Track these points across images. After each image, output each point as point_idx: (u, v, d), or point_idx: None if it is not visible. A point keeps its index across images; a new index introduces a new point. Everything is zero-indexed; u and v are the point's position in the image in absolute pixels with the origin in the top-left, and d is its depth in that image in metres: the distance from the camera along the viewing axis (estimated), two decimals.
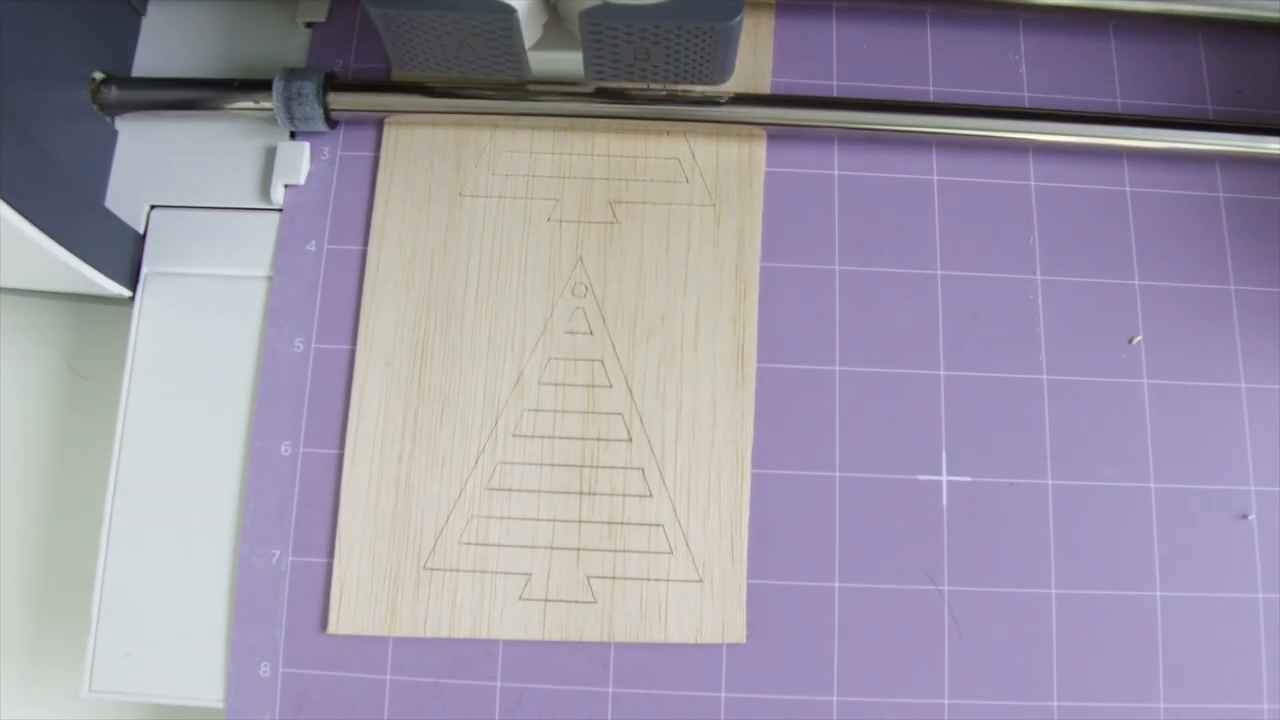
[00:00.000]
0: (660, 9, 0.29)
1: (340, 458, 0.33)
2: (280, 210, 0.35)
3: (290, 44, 0.37)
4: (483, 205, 0.35)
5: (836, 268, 0.35)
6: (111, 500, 0.33)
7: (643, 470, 0.33)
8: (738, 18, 0.29)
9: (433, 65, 0.31)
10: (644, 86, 0.35)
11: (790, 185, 0.36)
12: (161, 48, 0.38)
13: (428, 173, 0.35)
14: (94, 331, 0.38)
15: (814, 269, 0.35)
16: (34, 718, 0.35)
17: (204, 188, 0.36)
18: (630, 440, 0.33)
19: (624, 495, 0.33)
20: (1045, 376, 0.34)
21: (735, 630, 0.32)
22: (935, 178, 0.36)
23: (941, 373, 0.34)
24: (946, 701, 0.32)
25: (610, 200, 0.35)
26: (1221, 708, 0.32)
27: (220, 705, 0.32)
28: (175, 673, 0.32)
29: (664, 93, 0.35)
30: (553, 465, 0.33)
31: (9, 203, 0.28)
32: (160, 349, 0.34)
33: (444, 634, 0.32)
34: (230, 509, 0.33)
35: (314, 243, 0.35)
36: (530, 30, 0.31)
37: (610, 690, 0.32)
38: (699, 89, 0.36)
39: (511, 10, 0.29)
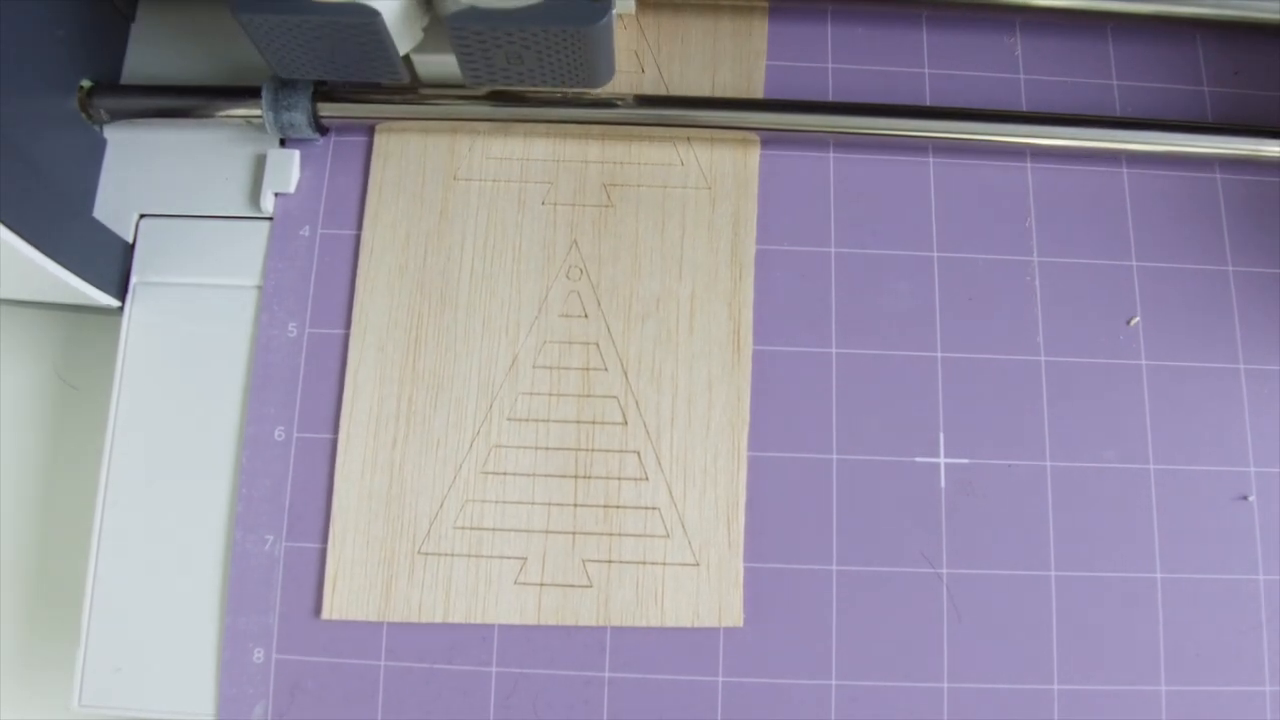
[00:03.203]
0: (525, 12, 0.28)
1: (334, 442, 0.33)
2: (270, 219, 0.35)
3: None
4: (477, 189, 0.35)
5: (832, 250, 0.35)
6: (101, 512, 0.33)
7: (638, 453, 0.33)
8: (604, 19, 0.28)
9: (309, 70, 0.31)
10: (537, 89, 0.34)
11: (786, 168, 0.35)
12: (151, 54, 0.37)
13: (421, 158, 0.35)
14: (83, 341, 0.37)
15: (810, 251, 0.35)
16: None
17: (194, 196, 0.35)
18: (625, 423, 0.33)
19: (619, 478, 0.32)
20: (1043, 358, 0.34)
21: (732, 614, 0.32)
22: (932, 159, 0.36)
23: (939, 354, 0.34)
24: (946, 685, 0.31)
25: (605, 184, 0.35)
26: (1223, 690, 0.32)
27: (212, 718, 0.31)
28: (166, 687, 0.32)
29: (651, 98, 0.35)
30: (547, 449, 0.33)
31: None
32: (150, 359, 0.34)
33: (439, 619, 0.32)
34: (222, 516, 0.33)
35: (307, 228, 0.35)
36: (404, 34, 0.31)
37: (606, 675, 0.31)
38: (696, 92, 0.36)
39: (375, 14, 0.28)
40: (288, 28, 0.29)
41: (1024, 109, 0.37)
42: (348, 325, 0.34)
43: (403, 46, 0.31)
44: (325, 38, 0.29)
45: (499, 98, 0.34)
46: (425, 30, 0.32)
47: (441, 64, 0.33)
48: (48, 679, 0.35)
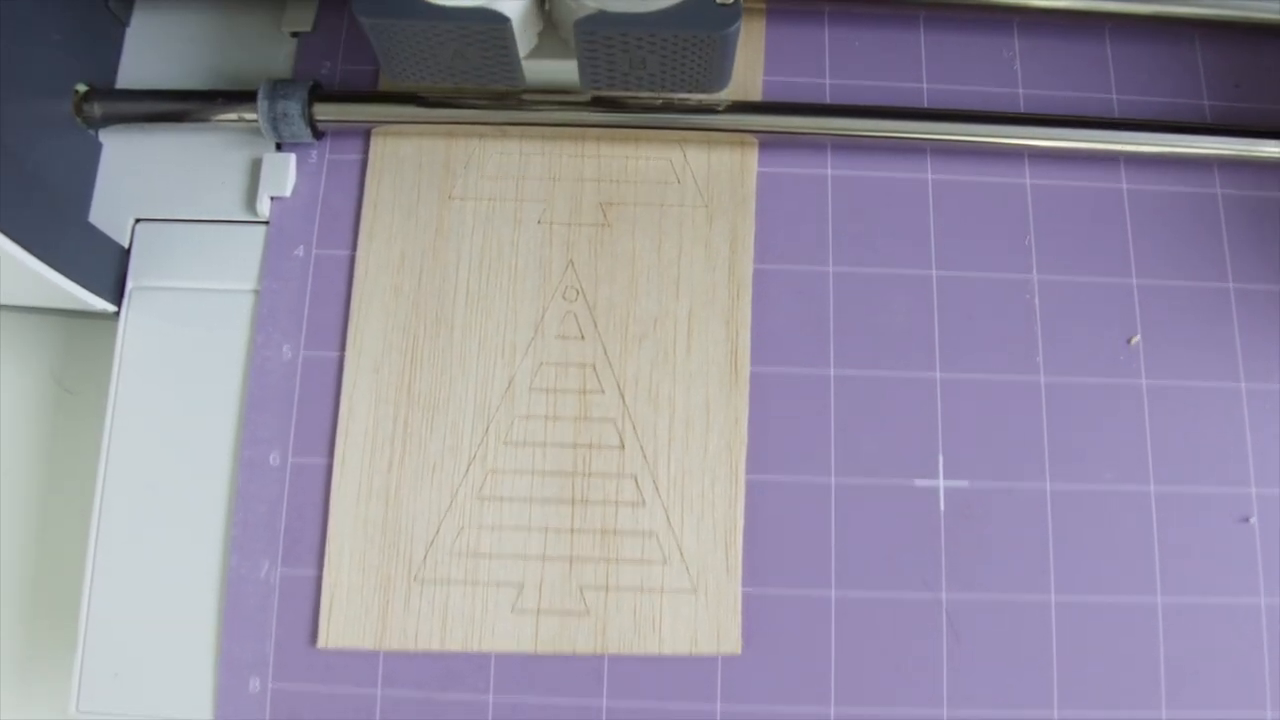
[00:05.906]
0: (656, 17, 0.28)
1: (329, 467, 0.33)
2: (266, 223, 0.35)
3: (276, 53, 0.37)
4: (472, 208, 0.35)
5: (830, 269, 0.34)
6: (98, 517, 0.33)
7: (635, 477, 0.32)
8: (734, 25, 0.28)
9: (426, 75, 0.31)
10: (638, 95, 0.34)
11: (783, 186, 0.35)
12: (146, 58, 0.37)
13: (416, 176, 0.35)
14: (80, 346, 0.37)
15: (808, 270, 0.34)
16: None
17: (189, 200, 0.35)
18: (623, 447, 0.33)
19: (617, 503, 0.32)
20: (1043, 378, 0.34)
21: (730, 641, 0.31)
22: (930, 177, 0.35)
23: (938, 375, 0.33)
24: (945, 712, 0.31)
25: (601, 202, 0.35)
26: (1224, 714, 0.32)
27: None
28: (164, 691, 0.32)
29: (659, 101, 0.34)
30: (544, 473, 0.32)
31: None
32: (146, 364, 0.34)
33: (435, 647, 0.31)
34: (218, 524, 0.33)
35: (302, 248, 0.34)
36: (524, 39, 0.31)
37: (604, 703, 0.31)
38: (694, 97, 0.36)
39: (505, 20, 0.28)
40: (413, 33, 0.29)
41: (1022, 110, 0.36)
42: (343, 347, 0.33)
43: (521, 52, 0.31)
44: (448, 44, 0.29)
45: (498, 101, 0.34)
46: (539, 35, 0.32)
47: (547, 69, 0.33)
48: (46, 682, 0.35)
